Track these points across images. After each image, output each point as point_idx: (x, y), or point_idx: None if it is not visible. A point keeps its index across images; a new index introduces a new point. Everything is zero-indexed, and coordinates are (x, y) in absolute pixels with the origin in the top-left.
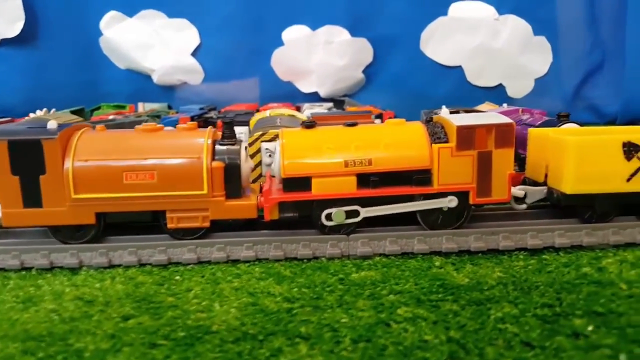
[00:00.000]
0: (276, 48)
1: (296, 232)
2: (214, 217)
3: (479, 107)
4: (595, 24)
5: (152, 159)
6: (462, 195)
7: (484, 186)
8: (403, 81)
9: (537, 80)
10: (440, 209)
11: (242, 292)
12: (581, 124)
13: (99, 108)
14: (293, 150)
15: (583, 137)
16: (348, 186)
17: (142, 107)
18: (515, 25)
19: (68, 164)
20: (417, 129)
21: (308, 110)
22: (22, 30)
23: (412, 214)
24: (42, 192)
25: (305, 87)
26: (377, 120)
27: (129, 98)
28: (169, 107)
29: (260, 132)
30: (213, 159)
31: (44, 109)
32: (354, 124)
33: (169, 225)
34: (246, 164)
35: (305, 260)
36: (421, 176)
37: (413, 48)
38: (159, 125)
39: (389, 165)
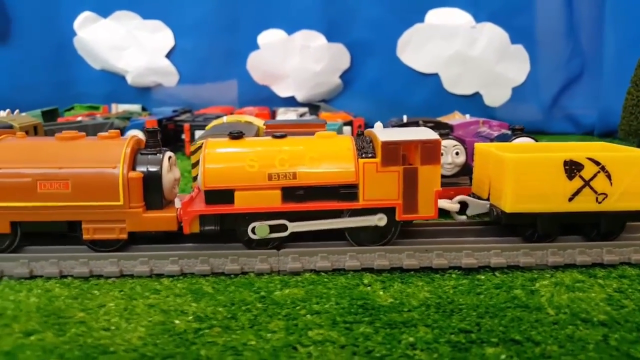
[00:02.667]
0: (252, 51)
1: (223, 246)
2: (131, 229)
3: (447, 117)
4: (574, 33)
5: (67, 168)
6: (389, 212)
7: (410, 202)
8: (379, 87)
9: (514, 89)
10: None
11: (155, 310)
12: (537, 139)
13: (72, 108)
14: (216, 161)
15: (522, 155)
16: (272, 200)
17: (116, 108)
18: (492, 33)
19: None
20: (346, 143)
21: (282, 115)
22: None
23: (342, 229)
24: None
25: (282, 92)
26: (347, 128)
27: (104, 99)
28: (143, 109)
29: (202, 142)
30: (133, 169)
31: (7, 110)
32: (283, 136)
33: (85, 237)
34: (169, 174)
35: (232, 276)
36: (347, 191)
37: (389, 54)
38: (79, 134)
39: (314, 180)
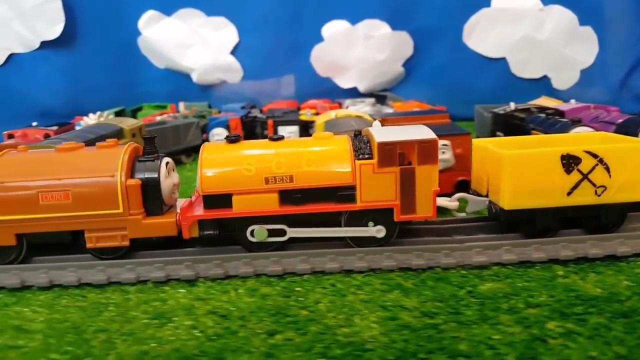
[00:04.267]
0: (316, 44)
1: (405, 242)
2: (132, 235)
3: (536, 102)
4: None
5: (66, 179)
6: (387, 212)
7: (408, 203)
8: (444, 74)
9: (582, 71)
10: (368, 225)
11: (373, 305)
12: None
13: (140, 109)
14: (213, 165)
15: (519, 151)
16: (270, 203)
17: (183, 106)
18: (561, 16)
19: None
20: (342, 143)
21: (352, 107)
22: (62, 32)
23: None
24: None
25: (344, 83)
26: None
27: (166, 98)
28: (209, 107)
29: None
30: (132, 176)
31: (98, 113)
32: (280, 138)
33: (88, 245)
34: (168, 180)
35: (419, 271)
36: (345, 193)
37: (455, 40)
38: (78, 144)
39: (311, 182)
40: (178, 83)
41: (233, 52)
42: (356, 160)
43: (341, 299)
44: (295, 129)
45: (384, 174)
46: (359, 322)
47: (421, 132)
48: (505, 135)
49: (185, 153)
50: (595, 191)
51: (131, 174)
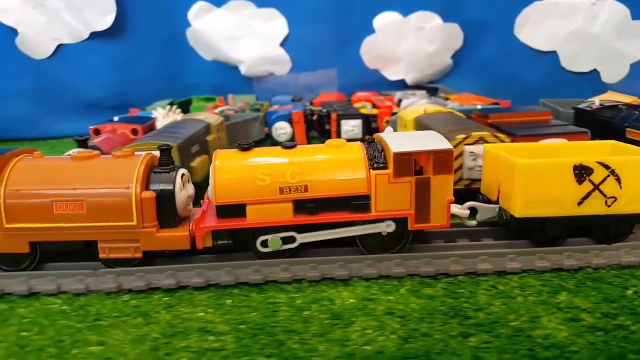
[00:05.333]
0: (367, 36)
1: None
2: (145, 248)
3: (603, 97)
4: None
5: (81, 189)
6: (401, 221)
7: (423, 212)
8: (492, 66)
9: (632, 65)
10: (380, 233)
11: (550, 307)
12: None
13: (189, 101)
14: (226, 175)
15: (533, 161)
16: (284, 213)
17: (232, 99)
18: (614, 9)
19: (0, 193)
20: (357, 152)
21: (405, 100)
22: (112, 23)
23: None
24: None
25: (392, 75)
26: None
27: (212, 90)
28: (256, 99)
29: (463, 135)
30: (147, 188)
31: (167, 106)
32: (292, 146)
33: (101, 255)
34: (183, 192)
35: (572, 271)
36: (359, 202)
37: (506, 33)
38: (94, 153)
39: (325, 192)
40: (223, 75)
41: (282, 44)
42: (371, 170)
43: (512, 301)
44: (358, 122)
45: (399, 184)
46: (547, 324)
47: (436, 140)
48: (593, 133)
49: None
50: (606, 202)
51: (146, 185)
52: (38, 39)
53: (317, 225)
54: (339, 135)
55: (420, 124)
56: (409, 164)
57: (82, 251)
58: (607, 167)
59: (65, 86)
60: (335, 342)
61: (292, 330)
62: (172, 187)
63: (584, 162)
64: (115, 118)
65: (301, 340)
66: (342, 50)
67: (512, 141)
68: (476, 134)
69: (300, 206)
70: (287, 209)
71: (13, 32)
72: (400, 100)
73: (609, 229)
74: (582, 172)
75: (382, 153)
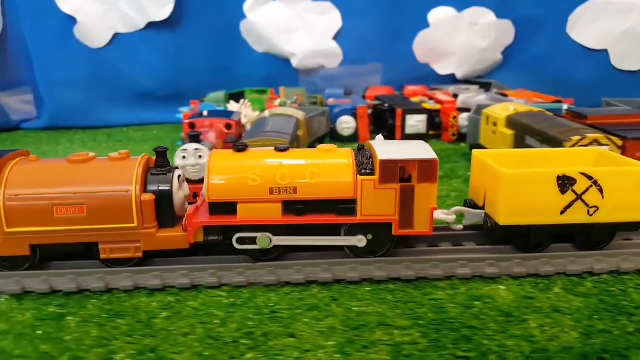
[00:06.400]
0: (420, 30)
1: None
2: (146, 248)
3: None
4: None
5: (81, 192)
6: (386, 226)
7: (406, 219)
8: (542, 63)
9: None
10: (366, 237)
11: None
12: None
13: (242, 93)
14: (220, 173)
15: (517, 171)
16: (273, 213)
17: (283, 91)
18: None
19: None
20: (346, 157)
21: (461, 95)
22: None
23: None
24: None
25: (442, 69)
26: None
27: (261, 82)
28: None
29: (578, 137)
30: (145, 189)
31: (241, 100)
32: (285, 149)
33: (102, 256)
34: (180, 192)
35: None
36: (346, 206)
37: (558, 30)
38: (90, 155)
39: (314, 194)
40: (274, 67)
41: (335, 38)
42: (358, 175)
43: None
44: (423, 117)
45: (384, 190)
46: None
47: (422, 150)
48: None
49: (319, 143)
50: (588, 211)
51: (144, 186)
52: (95, 28)
53: (308, 228)
54: (403, 130)
55: (516, 123)
56: (395, 172)
57: (82, 252)
58: (590, 177)
59: (118, 75)
60: (520, 338)
61: (471, 326)
62: (169, 188)
63: (568, 172)
64: (205, 112)
65: (486, 336)
66: (394, 44)
67: (624, 144)
68: (591, 136)
69: (289, 207)
70: (277, 209)
71: (72, 20)
72: (455, 96)
73: (591, 237)
74: (565, 183)
75: (371, 160)
